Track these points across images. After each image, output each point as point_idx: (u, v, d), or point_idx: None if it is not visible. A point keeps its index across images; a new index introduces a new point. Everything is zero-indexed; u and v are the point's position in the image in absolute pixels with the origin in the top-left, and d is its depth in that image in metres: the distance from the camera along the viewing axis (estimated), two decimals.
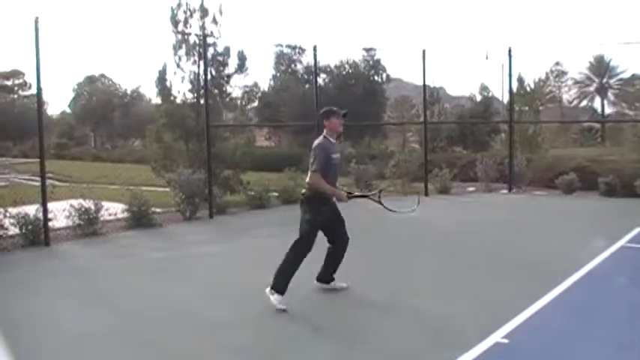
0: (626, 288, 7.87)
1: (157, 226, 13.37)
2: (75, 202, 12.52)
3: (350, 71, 38.03)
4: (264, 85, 40.74)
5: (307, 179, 7.46)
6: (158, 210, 14.31)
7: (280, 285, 7.17)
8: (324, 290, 7.81)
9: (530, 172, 20.69)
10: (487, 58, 21.04)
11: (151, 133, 17.81)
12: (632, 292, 7.61)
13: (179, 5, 17.28)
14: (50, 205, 11.86)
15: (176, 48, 17.24)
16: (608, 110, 69.74)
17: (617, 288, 7.89)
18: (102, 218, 12.77)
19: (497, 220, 13.89)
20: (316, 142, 7.46)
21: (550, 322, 6.45)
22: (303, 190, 7.61)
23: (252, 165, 18.98)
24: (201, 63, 16.51)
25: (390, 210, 8.04)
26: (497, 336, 5.94)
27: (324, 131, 7.55)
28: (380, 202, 8.06)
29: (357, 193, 8.19)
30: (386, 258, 9.92)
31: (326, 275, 7.90)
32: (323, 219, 7.51)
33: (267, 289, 7.19)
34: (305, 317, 6.80)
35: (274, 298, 7.10)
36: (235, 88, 18.62)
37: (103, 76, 64.83)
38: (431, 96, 36.41)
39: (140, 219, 13.23)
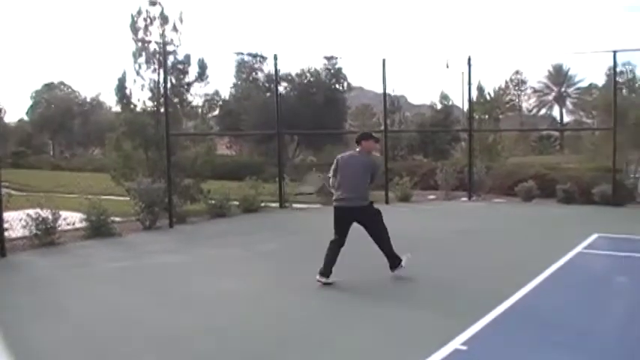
0: (583, 294, 7.96)
1: (116, 235, 13.23)
2: (32, 212, 12.29)
3: (311, 80, 38.00)
4: (225, 93, 40.61)
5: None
6: (117, 219, 14.17)
7: (396, 256, 8.90)
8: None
9: (489, 179, 20.89)
10: (447, 66, 21.30)
11: (111, 142, 17.61)
12: (588, 298, 7.69)
13: (139, 13, 17.12)
14: (6, 215, 11.68)
15: (136, 56, 17.07)
16: (566, 118, 70.95)
17: (574, 294, 7.97)
18: (60, 228, 12.57)
19: (457, 227, 13.97)
20: (373, 158, 9.37)
21: (508, 329, 6.51)
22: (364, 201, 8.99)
23: (213, 174, 18.90)
24: (161, 71, 16.38)
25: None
26: (457, 343, 5.95)
27: (362, 149, 9.00)
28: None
29: None
30: (348, 265, 9.90)
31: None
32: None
33: (399, 267, 8.82)
34: (269, 327, 6.75)
35: (404, 262, 8.88)
36: (196, 96, 18.49)
37: (62, 83, 63.99)
38: (392, 104, 36.57)
39: (99, 228, 13.08)
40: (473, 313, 6.81)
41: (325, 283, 8.43)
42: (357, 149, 9.00)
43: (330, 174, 9.11)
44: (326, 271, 8.52)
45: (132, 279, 9.39)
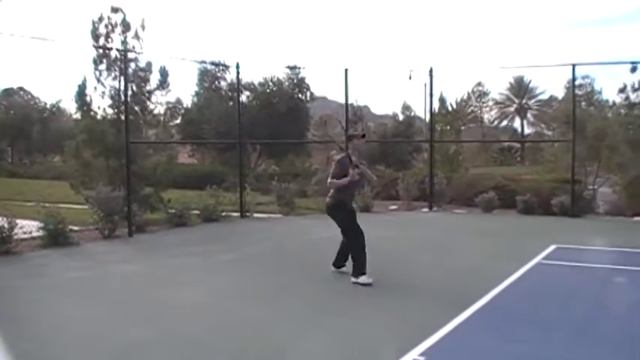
0: (542, 304, 8.02)
1: (74, 244, 13.05)
2: None
3: (274, 89, 37.94)
4: (188, 101, 40.35)
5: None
6: (76, 228, 14.00)
7: (361, 269, 8.96)
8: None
9: (450, 190, 21.04)
10: (410, 77, 21.42)
11: (70, 149, 17.41)
12: (547, 308, 7.75)
13: (100, 19, 16.95)
14: None
15: (97, 62, 16.89)
16: (527, 130, 71.82)
17: (533, 304, 8.03)
18: (16, 237, 12.33)
19: (417, 238, 14.04)
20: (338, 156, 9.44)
21: (467, 340, 6.53)
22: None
23: (174, 182, 18.78)
24: (122, 78, 16.23)
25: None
26: (415, 353, 5.95)
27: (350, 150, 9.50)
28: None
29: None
30: (304, 277, 9.89)
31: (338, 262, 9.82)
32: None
33: (352, 279, 8.93)
34: (227, 337, 6.69)
35: (361, 279, 8.86)
36: (157, 104, 18.34)
37: (21, 89, 63.11)
38: (354, 114, 36.67)
39: (56, 237, 12.88)
40: (431, 323, 6.83)
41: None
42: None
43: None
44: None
45: (90, 289, 9.25)
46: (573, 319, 7.31)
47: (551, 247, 11.96)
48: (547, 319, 7.26)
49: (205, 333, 6.84)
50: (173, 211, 16.18)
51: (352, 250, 9.24)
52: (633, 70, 18.19)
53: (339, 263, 9.83)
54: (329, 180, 9.36)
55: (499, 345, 6.31)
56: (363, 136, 9.85)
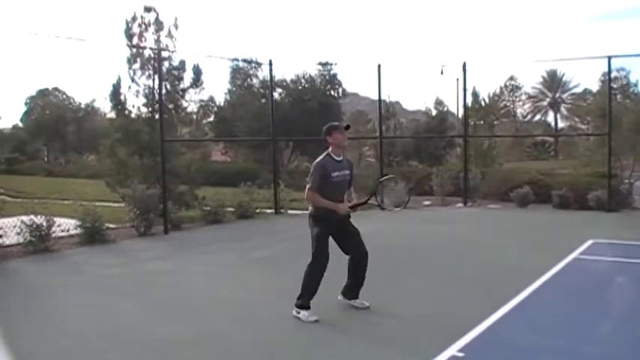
0: (580, 300, 7.94)
1: (110, 242, 13.20)
2: (26, 218, 12.23)
3: (306, 86, 38.01)
4: (220, 99, 40.56)
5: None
6: (112, 226, 14.15)
7: (304, 302, 7.25)
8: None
9: (484, 185, 20.88)
10: (442, 72, 21.23)
11: (105, 148, 17.60)
12: (585, 304, 7.68)
13: (134, 18, 17.13)
14: (0, 222, 11.61)
15: (131, 62, 17.07)
16: (561, 124, 71.03)
17: (571, 300, 7.96)
18: (54, 235, 12.51)
19: (453, 233, 13.96)
20: (317, 160, 7.46)
21: (505, 336, 6.49)
22: (309, 208, 7.62)
23: (208, 180, 18.88)
24: (156, 77, 16.33)
25: (384, 208, 8.32)
26: (454, 349, 5.93)
27: (330, 148, 7.51)
28: (379, 205, 8.26)
29: (355, 202, 7.89)
30: (340, 273, 9.86)
31: (349, 291, 7.76)
32: (328, 231, 7.48)
33: (294, 311, 7.24)
34: (262, 335, 6.71)
35: (302, 315, 7.16)
36: (191, 102, 18.48)
37: (56, 89, 63.86)
38: (386, 111, 36.60)
39: (93, 235, 13.03)
40: (469, 318, 6.79)
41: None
42: (330, 149, 7.56)
43: (312, 185, 7.44)
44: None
45: (126, 286, 9.33)
46: (612, 314, 7.24)
47: (589, 242, 11.82)
48: (585, 315, 7.19)
49: (242, 329, 6.87)
50: (208, 208, 16.25)
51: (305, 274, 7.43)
52: None
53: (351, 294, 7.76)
54: (308, 186, 7.41)
55: (538, 341, 6.25)
56: (347, 127, 7.75)
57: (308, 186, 7.39)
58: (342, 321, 7.14)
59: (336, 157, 7.47)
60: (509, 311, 7.27)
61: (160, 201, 14.46)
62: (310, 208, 7.58)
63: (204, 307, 7.88)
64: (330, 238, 7.55)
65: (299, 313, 7.21)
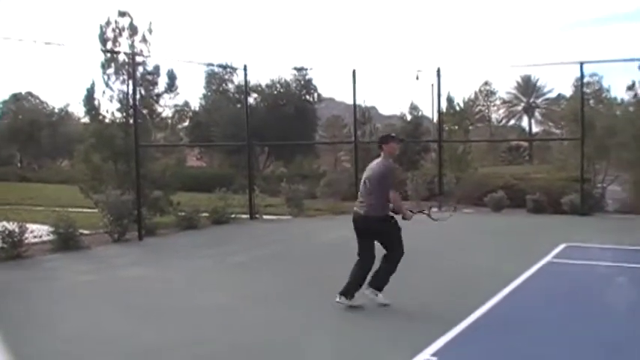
0: (553, 303, 8.00)
1: (84, 248, 13.07)
2: None
3: (281, 91, 38.04)
4: (195, 104, 40.44)
5: (375, 199, 7.90)
6: (86, 232, 14.02)
7: (381, 286, 7.91)
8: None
9: (459, 190, 20.97)
10: (417, 78, 21.39)
11: (79, 154, 17.47)
12: (558, 307, 7.74)
13: (108, 23, 17.01)
14: None
15: (105, 66, 16.95)
16: (535, 129, 71.49)
17: (544, 303, 8.01)
18: (27, 241, 12.35)
19: (428, 237, 13.99)
20: (387, 164, 8.00)
21: (478, 339, 6.53)
22: (373, 211, 7.94)
23: (183, 185, 18.80)
24: (130, 82, 16.25)
25: (434, 219, 8.90)
26: (427, 353, 5.96)
27: (383, 154, 8.04)
28: (429, 216, 8.86)
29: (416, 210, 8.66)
30: (315, 278, 9.88)
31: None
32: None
33: (369, 292, 7.85)
34: (239, 340, 6.69)
35: (379, 297, 7.85)
36: (165, 107, 18.39)
37: (29, 94, 63.25)
38: (362, 115, 36.66)
39: (67, 241, 12.89)
40: (443, 322, 6.82)
41: (346, 304, 7.79)
42: (381, 154, 8.10)
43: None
44: (345, 291, 7.86)
45: (101, 292, 9.24)
46: (584, 317, 7.30)
47: (562, 246, 11.92)
48: (558, 317, 7.25)
49: (218, 335, 6.84)
50: (182, 213, 16.18)
51: (395, 264, 7.98)
52: None
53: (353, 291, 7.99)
54: (392, 194, 7.89)
55: (510, 345, 6.30)
56: (402, 140, 8.93)
57: (391, 189, 7.88)
58: (327, 323, 7.12)
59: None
60: (483, 314, 7.31)
61: (134, 207, 14.37)
62: (379, 212, 7.93)
63: (180, 312, 7.84)
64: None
65: (377, 295, 7.85)
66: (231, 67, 35.13)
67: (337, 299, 7.83)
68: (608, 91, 27.00)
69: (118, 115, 17.11)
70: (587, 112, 19.25)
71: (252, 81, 36.97)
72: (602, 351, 6.10)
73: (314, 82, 38.54)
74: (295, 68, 36.68)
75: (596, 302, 8.06)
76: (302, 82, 38.39)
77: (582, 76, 18.54)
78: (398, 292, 8.64)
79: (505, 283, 8.81)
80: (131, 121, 15.95)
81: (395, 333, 6.76)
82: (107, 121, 17.10)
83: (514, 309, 7.77)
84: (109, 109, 17.01)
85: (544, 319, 7.18)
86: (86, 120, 18.40)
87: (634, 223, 16.17)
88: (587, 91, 24.97)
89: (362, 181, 8.19)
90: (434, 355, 5.94)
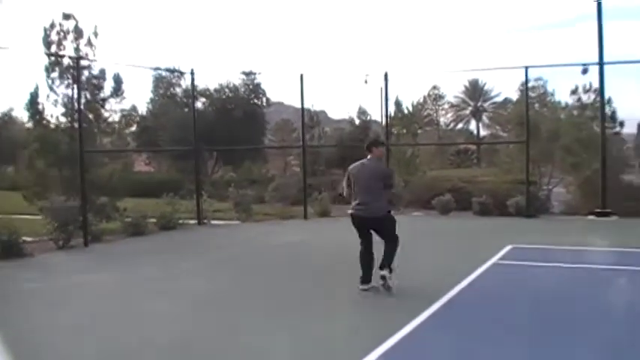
0: (498, 304, 8.08)
1: (27, 255, 12.78)
2: None
3: (230, 95, 37.86)
4: (143, 108, 40.03)
5: (383, 198, 9.01)
6: (29, 239, 13.73)
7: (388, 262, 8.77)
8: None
9: (407, 193, 21.09)
10: (366, 82, 21.35)
11: (23, 159, 17.16)
12: (503, 308, 7.81)
13: (52, 26, 16.76)
14: None
15: (49, 70, 16.68)
16: (483, 132, 72.33)
17: (490, 304, 8.08)
18: None
19: (376, 241, 14.04)
20: (387, 167, 9.53)
21: (425, 340, 6.57)
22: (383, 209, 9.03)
23: (131, 191, 18.62)
24: (75, 86, 16.01)
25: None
26: (373, 357, 5.95)
27: (371, 156, 9.12)
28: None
29: None
30: (264, 282, 9.84)
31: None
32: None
33: (385, 271, 8.62)
34: (184, 346, 6.62)
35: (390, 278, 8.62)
36: (112, 112, 18.15)
37: None
38: (311, 119, 36.70)
39: (9, 248, 12.60)
40: (390, 324, 6.83)
41: (368, 289, 8.73)
42: (368, 156, 9.08)
43: (344, 184, 9.26)
44: (365, 278, 8.83)
45: (42, 300, 9.07)
46: (529, 317, 7.36)
47: (507, 247, 12.06)
48: (503, 318, 7.32)
49: (163, 342, 6.75)
50: (129, 219, 15.97)
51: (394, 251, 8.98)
52: (584, 72, 18.44)
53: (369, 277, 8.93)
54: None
55: (456, 345, 6.33)
56: (382, 144, 10.29)
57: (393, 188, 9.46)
58: (274, 327, 7.09)
59: None
60: (429, 316, 7.35)
61: (79, 213, 14.15)
62: (386, 209, 9.09)
63: (125, 320, 7.74)
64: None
65: (390, 273, 8.66)
66: (179, 72, 34.91)
67: (362, 287, 8.76)
68: (552, 95, 27.49)
69: (63, 119, 16.87)
70: (532, 115, 19.57)
71: (200, 85, 36.80)
72: (547, 348, 6.17)
73: (263, 86, 38.50)
74: (244, 72, 36.60)
75: (541, 302, 8.15)
76: (251, 87, 38.29)
77: (527, 80, 18.81)
78: (345, 295, 8.68)
79: (452, 284, 8.88)
80: (76, 125, 15.67)
81: (342, 335, 6.76)
82: (52, 126, 16.83)
83: (460, 310, 7.83)
84: (54, 113, 16.76)
85: (489, 319, 7.25)
86: (30, 125, 18.06)
87: (578, 224, 16.43)
88: (533, 95, 25.41)
89: (353, 181, 8.95)
90: (381, 356, 5.96)
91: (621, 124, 20.15)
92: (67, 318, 7.97)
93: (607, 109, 18.81)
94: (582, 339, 6.50)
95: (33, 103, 16.78)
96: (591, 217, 17.12)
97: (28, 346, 6.72)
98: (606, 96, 18.46)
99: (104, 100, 17.60)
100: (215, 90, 37.90)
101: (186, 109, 35.03)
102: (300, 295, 8.92)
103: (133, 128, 37.22)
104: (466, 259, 10.94)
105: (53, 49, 16.79)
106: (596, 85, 19.37)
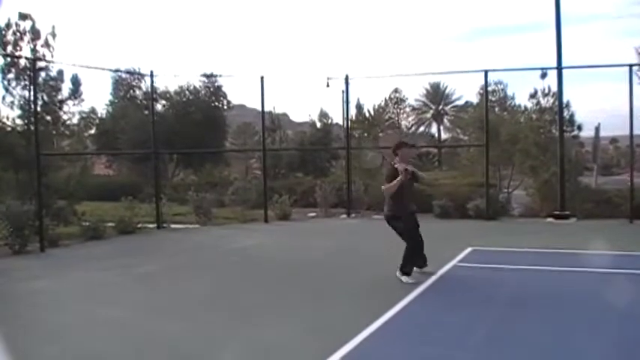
0: (457, 307, 8.07)
1: None
2: None
3: (190, 97, 37.56)
4: (102, 111, 39.56)
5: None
6: None
7: (408, 270, 9.59)
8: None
9: (368, 196, 21.10)
10: (328, 85, 21.35)
11: None
12: (462, 311, 7.80)
13: (8, 26, 16.49)
14: None
15: (5, 71, 16.42)
16: (444, 135, 72.71)
17: (448, 307, 8.08)
18: None
19: (335, 245, 14.03)
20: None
21: (384, 345, 6.52)
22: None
23: (90, 195, 18.38)
24: (32, 87, 15.76)
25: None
26: (336, 358, 5.94)
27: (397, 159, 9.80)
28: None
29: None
30: (221, 288, 9.74)
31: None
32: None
33: (398, 272, 9.54)
34: (144, 353, 6.50)
35: (405, 278, 9.42)
36: (70, 114, 17.91)
37: None
38: (272, 122, 36.62)
39: None
40: (349, 329, 6.79)
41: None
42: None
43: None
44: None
45: None
46: (488, 320, 7.37)
47: (467, 250, 12.12)
48: (463, 321, 7.31)
49: (120, 350, 6.65)
50: (87, 224, 15.76)
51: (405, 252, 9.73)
52: (543, 76, 18.70)
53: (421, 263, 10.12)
54: (384, 187, 9.92)
55: (416, 348, 6.32)
56: (413, 146, 10.22)
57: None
58: (231, 334, 7.00)
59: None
60: (389, 319, 7.32)
61: (36, 217, 13.92)
62: (387, 209, 10.27)
63: (81, 327, 7.60)
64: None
65: (403, 276, 9.50)
66: (139, 73, 34.57)
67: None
68: (512, 98, 27.76)
69: (19, 122, 16.60)
70: (492, 119, 19.74)
71: (160, 87, 36.43)
72: (506, 351, 6.18)
73: (224, 88, 38.26)
74: (204, 75, 36.35)
75: (500, 304, 8.18)
76: (211, 89, 38.03)
77: (486, 83, 18.95)
78: (303, 301, 8.62)
79: (410, 288, 8.89)
80: (33, 128, 15.43)
81: (300, 342, 6.70)
82: (7, 128, 16.55)
83: (419, 313, 7.83)
84: (10, 115, 16.49)
85: (449, 323, 7.24)
86: None
87: (538, 226, 16.56)
88: (493, 98, 25.64)
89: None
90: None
91: (579, 127, 20.34)
92: (19, 324, 7.81)
93: (565, 113, 18.98)
94: (541, 344, 6.50)
95: None
96: (550, 219, 17.29)
97: None
98: (564, 100, 18.64)
99: (62, 102, 17.38)
100: (175, 92, 37.56)
101: (146, 112, 34.66)
102: (256, 299, 8.84)
103: (92, 131, 36.80)
104: (428, 262, 10.92)
105: (9, 49, 16.52)
106: (554, 89, 19.56)
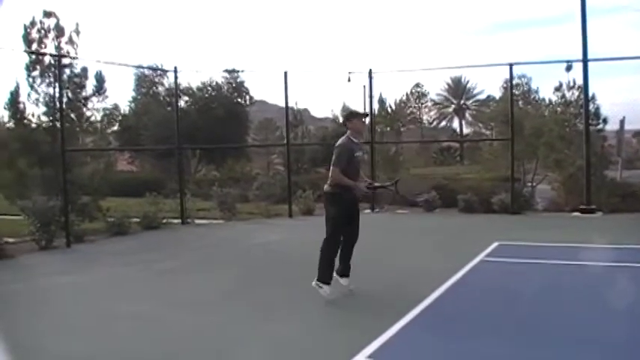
0: (486, 302, 8.02)
1: (8, 257, 12.61)
2: None
3: (212, 93, 37.67)
4: (125, 107, 39.78)
5: (330, 175, 8.15)
6: (11, 240, 13.56)
7: (324, 276, 8.11)
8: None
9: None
10: (349, 80, 21.30)
11: (4, 159, 16.94)
12: (491, 306, 7.75)
13: (33, 23, 16.56)
14: None
15: (30, 69, 16.49)
16: (466, 130, 72.47)
17: (477, 302, 8.03)
18: None
19: (361, 239, 13.98)
20: (339, 141, 8.19)
21: (414, 340, 6.48)
22: (325, 187, 8.33)
23: (113, 190, 18.44)
24: (57, 85, 15.83)
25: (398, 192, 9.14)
26: (363, 356, 5.89)
27: (348, 132, 8.24)
28: (396, 191, 8.98)
29: (376, 184, 9.30)
30: (247, 283, 9.73)
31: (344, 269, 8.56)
32: (345, 212, 8.24)
33: (314, 282, 8.09)
34: (167, 347, 6.51)
35: (322, 290, 8.04)
36: (94, 111, 17.98)
37: None
38: (294, 118, 36.60)
39: None
40: (378, 325, 6.74)
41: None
42: (348, 133, 8.22)
43: (338, 164, 8.03)
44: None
45: (26, 302, 8.94)
46: (518, 315, 7.31)
47: (494, 245, 12.02)
48: (492, 316, 7.25)
49: (143, 346, 6.64)
50: (112, 219, 15.82)
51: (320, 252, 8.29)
52: (568, 69, 18.51)
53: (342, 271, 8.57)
54: (332, 169, 8.05)
55: (446, 345, 6.27)
56: (366, 115, 9.10)
57: (334, 166, 8.05)
58: (258, 330, 6.99)
59: (354, 140, 8.21)
60: (417, 315, 7.26)
61: (61, 213, 13.99)
62: (327, 187, 8.28)
63: (109, 322, 7.60)
64: None
65: (321, 287, 8.06)
66: (162, 70, 34.75)
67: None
68: (536, 92, 27.58)
69: (45, 119, 16.67)
70: (516, 112, 19.57)
71: (183, 83, 36.59)
72: (537, 346, 6.12)
73: (246, 84, 38.36)
74: (227, 70, 36.44)
75: (529, 299, 8.11)
76: (234, 85, 38.13)
77: (511, 77, 18.84)
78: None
79: (439, 282, 8.80)
80: (58, 125, 15.50)
81: (329, 337, 6.69)
82: (33, 125, 16.64)
83: (448, 308, 7.75)
84: (35, 112, 16.56)
85: (478, 318, 7.19)
86: (11, 124, 17.84)
87: (563, 220, 16.45)
88: (516, 92, 25.46)
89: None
90: (370, 357, 5.88)
91: (605, 120, 20.12)
92: (46, 320, 7.86)
93: (591, 106, 18.79)
94: (571, 337, 6.44)
95: (13, 103, 16.57)
96: (576, 213, 17.16)
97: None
98: (590, 93, 18.47)
99: (86, 98, 17.42)
100: (198, 88, 37.73)
101: (168, 108, 34.83)
102: (279, 294, 8.82)
103: (116, 127, 37.02)
104: (453, 257, 10.87)
105: (34, 47, 16.59)
106: (580, 82, 19.40)
